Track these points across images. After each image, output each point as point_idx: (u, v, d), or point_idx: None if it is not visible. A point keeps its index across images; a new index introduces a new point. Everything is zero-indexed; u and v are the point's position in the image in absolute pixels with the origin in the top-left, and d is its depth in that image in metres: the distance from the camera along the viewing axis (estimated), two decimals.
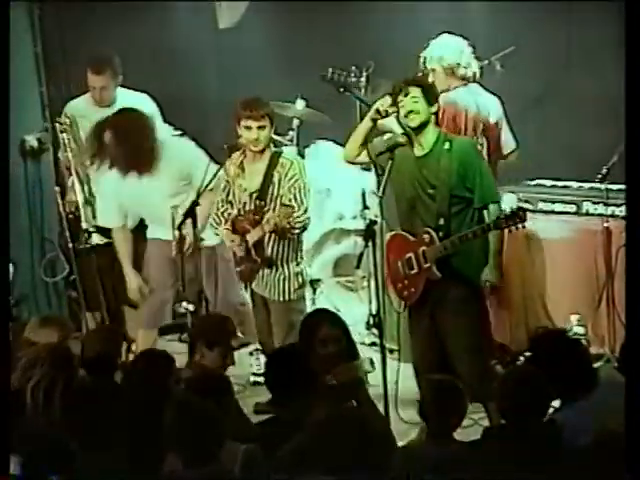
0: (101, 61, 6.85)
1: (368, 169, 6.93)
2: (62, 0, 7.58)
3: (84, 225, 6.88)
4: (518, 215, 5.34)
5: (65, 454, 3.90)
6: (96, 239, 6.88)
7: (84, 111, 6.96)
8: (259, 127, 5.93)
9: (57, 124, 6.93)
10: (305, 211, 5.96)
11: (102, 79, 6.78)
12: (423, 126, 5.50)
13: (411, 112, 5.46)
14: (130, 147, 6.29)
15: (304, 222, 5.98)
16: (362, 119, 6.44)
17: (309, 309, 7.23)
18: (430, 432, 4.39)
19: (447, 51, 6.23)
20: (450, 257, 5.50)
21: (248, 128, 5.95)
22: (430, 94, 5.50)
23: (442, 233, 5.47)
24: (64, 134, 6.89)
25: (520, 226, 5.37)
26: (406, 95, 5.45)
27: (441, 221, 5.48)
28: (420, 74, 6.11)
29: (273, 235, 5.97)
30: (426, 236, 5.51)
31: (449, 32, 6.30)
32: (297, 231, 6.00)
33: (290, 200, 5.93)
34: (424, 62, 6.26)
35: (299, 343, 5.26)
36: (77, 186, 6.94)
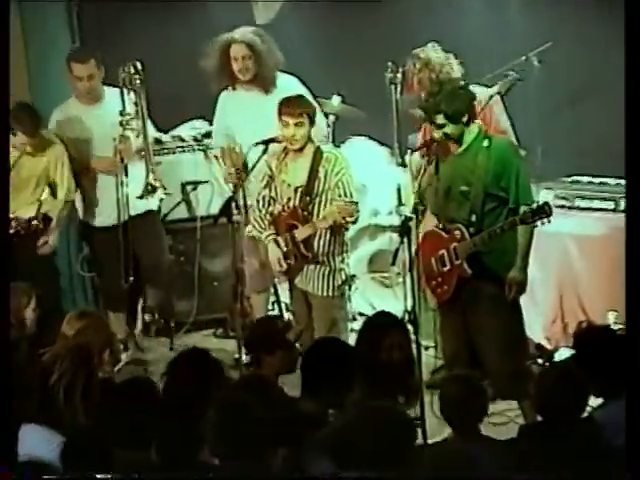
0: (83, 51, 6.88)
1: (404, 165, 6.94)
2: None
3: (150, 179, 6.77)
4: (544, 210, 5.32)
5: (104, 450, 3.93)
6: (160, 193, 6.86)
7: (75, 112, 6.91)
8: (296, 124, 5.94)
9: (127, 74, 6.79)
10: (356, 205, 5.97)
11: (88, 67, 6.74)
12: (460, 137, 5.50)
13: (441, 137, 5.46)
14: (258, 59, 6.62)
15: (357, 217, 5.98)
16: (399, 115, 6.48)
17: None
18: (454, 430, 4.36)
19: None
20: (483, 255, 5.48)
21: (286, 124, 5.96)
22: (455, 115, 5.42)
23: (473, 229, 5.46)
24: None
25: (546, 220, 5.34)
26: (435, 121, 5.44)
27: (473, 217, 5.46)
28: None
29: (319, 230, 5.97)
30: (457, 232, 5.50)
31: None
32: (350, 226, 6.01)
33: (340, 195, 5.93)
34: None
35: (360, 343, 5.08)
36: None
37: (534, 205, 5.39)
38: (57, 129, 6.88)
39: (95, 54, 6.82)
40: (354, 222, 6.03)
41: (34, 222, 6.49)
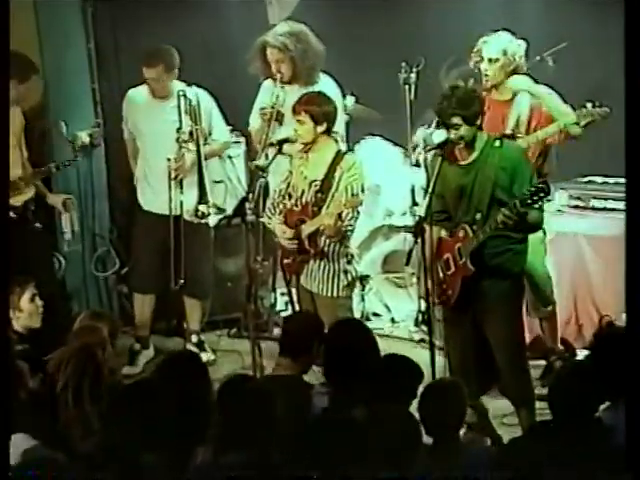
0: (153, 54, 6.86)
1: (418, 165, 6.93)
2: None
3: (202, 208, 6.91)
4: (543, 190, 5.22)
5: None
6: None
7: (140, 101, 6.98)
8: (298, 121, 6.00)
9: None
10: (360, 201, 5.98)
11: (154, 72, 6.80)
12: (473, 140, 5.47)
13: (457, 138, 5.42)
14: (292, 62, 6.67)
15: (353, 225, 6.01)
16: (412, 114, 6.46)
17: (359, 305, 7.24)
18: (433, 439, 4.33)
19: (511, 45, 6.25)
20: (490, 255, 5.44)
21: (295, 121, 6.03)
22: (471, 117, 5.39)
23: (477, 227, 5.43)
24: None
25: (545, 199, 5.24)
26: (451, 123, 5.39)
27: (478, 216, 5.43)
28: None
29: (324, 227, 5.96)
30: (461, 232, 5.47)
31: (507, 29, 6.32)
32: (350, 228, 6.01)
33: (347, 198, 5.93)
34: (481, 50, 6.26)
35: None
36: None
37: (532, 187, 5.29)
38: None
39: (165, 57, 6.83)
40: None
41: None
